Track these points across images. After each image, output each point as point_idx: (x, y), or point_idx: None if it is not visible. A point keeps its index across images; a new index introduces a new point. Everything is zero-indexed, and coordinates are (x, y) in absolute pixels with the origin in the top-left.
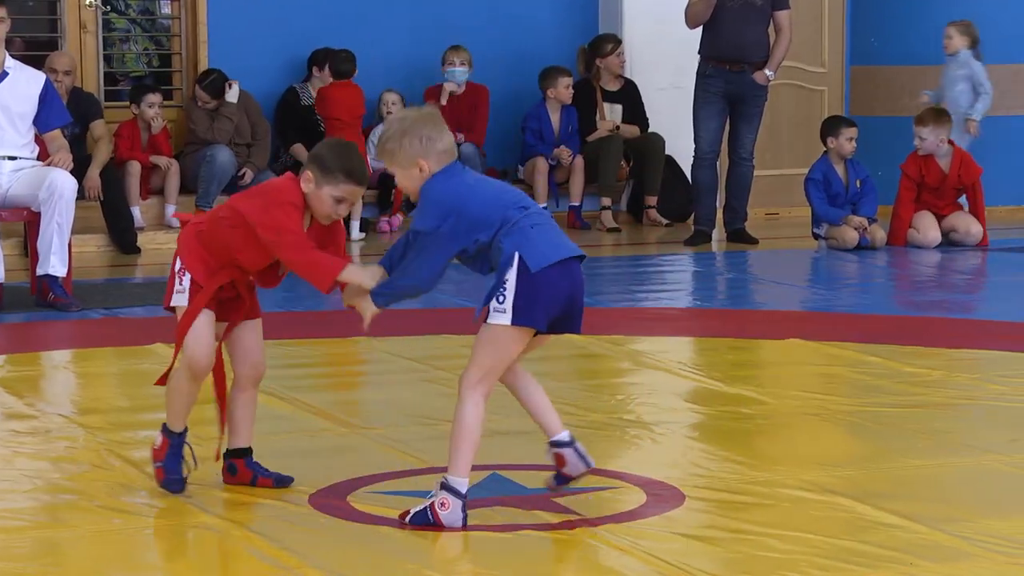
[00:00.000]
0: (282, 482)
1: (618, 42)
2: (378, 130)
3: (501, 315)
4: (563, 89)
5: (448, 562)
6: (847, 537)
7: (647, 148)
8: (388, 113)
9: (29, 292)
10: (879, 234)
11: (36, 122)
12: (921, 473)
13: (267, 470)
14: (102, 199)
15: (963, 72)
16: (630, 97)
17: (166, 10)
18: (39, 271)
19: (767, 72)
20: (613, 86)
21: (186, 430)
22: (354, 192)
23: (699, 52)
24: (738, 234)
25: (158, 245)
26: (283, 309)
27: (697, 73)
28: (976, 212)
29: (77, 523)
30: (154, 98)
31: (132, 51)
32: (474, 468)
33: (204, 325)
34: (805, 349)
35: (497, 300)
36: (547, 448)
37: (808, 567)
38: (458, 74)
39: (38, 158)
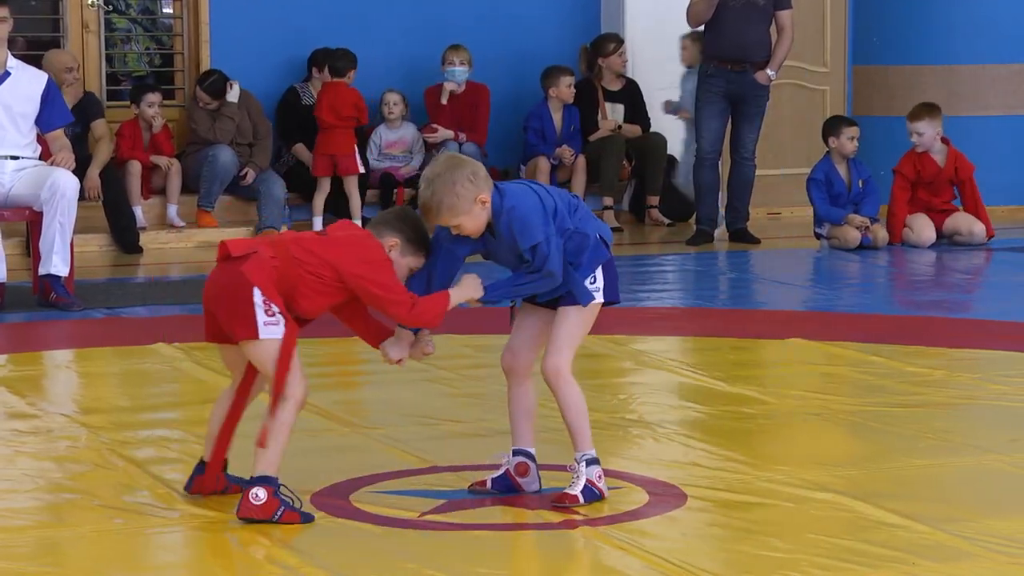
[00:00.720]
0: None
1: (620, 42)
2: (380, 131)
3: (597, 293)
4: (565, 88)
5: (448, 562)
6: (849, 537)
7: (649, 148)
8: (390, 113)
9: (31, 292)
10: (881, 234)
11: (38, 122)
12: (923, 473)
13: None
14: (102, 199)
15: None
16: (632, 97)
17: (168, 9)
18: (41, 271)
19: (769, 72)
20: (615, 86)
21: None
22: (423, 262)
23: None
24: (740, 234)
25: (160, 245)
26: None
27: (699, 73)
28: (975, 208)
29: (78, 523)
30: (154, 97)
31: (134, 51)
32: (475, 468)
33: (297, 358)
34: (807, 349)
35: (590, 282)
36: (510, 455)
37: (809, 567)
38: (458, 73)
39: (40, 158)
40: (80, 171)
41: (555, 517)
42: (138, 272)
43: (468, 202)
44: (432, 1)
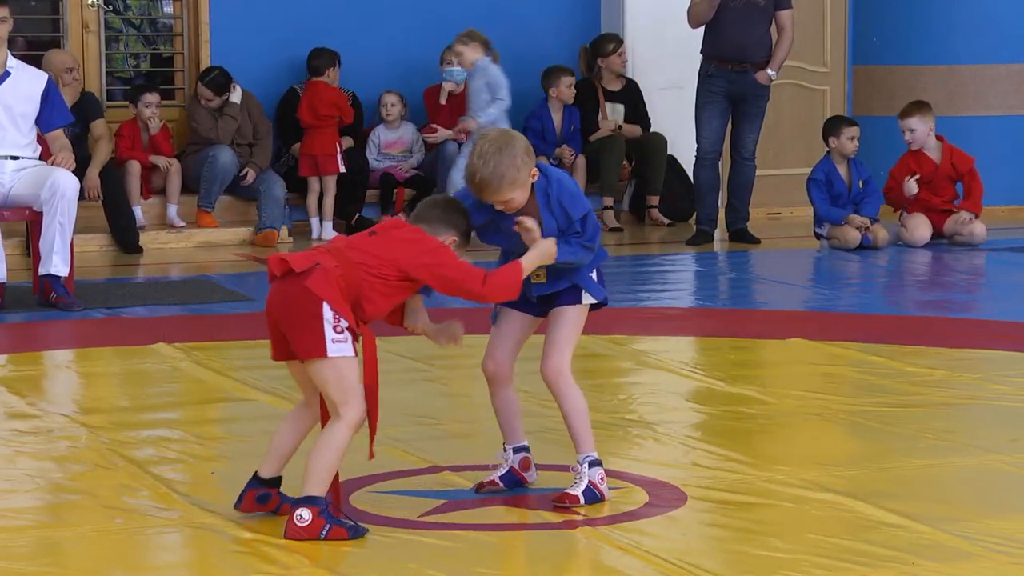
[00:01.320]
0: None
1: (620, 42)
2: (379, 131)
3: (597, 294)
4: (565, 88)
5: (448, 562)
6: (849, 537)
7: (649, 148)
8: (388, 115)
9: (31, 292)
10: (881, 234)
11: (38, 122)
12: (923, 473)
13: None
14: (101, 199)
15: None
16: (632, 97)
17: (168, 9)
18: (41, 271)
19: (769, 72)
20: (615, 86)
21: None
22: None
23: (701, 52)
24: (740, 234)
25: (160, 245)
26: None
27: (699, 73)
28: (973, 200)
29: (79, 523)
30: (151, 98)
31: (121, 51)
32: (475, 468)
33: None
34: (807, 349)
35: (588, 282)
36: (509, 453)
37: (810, 567)
38: (456, 73)
39: (40, 158)
40: (80, 171)
41: (555, 517)
42: (138, 272)
43: (526, 175)
44: (432, 1)
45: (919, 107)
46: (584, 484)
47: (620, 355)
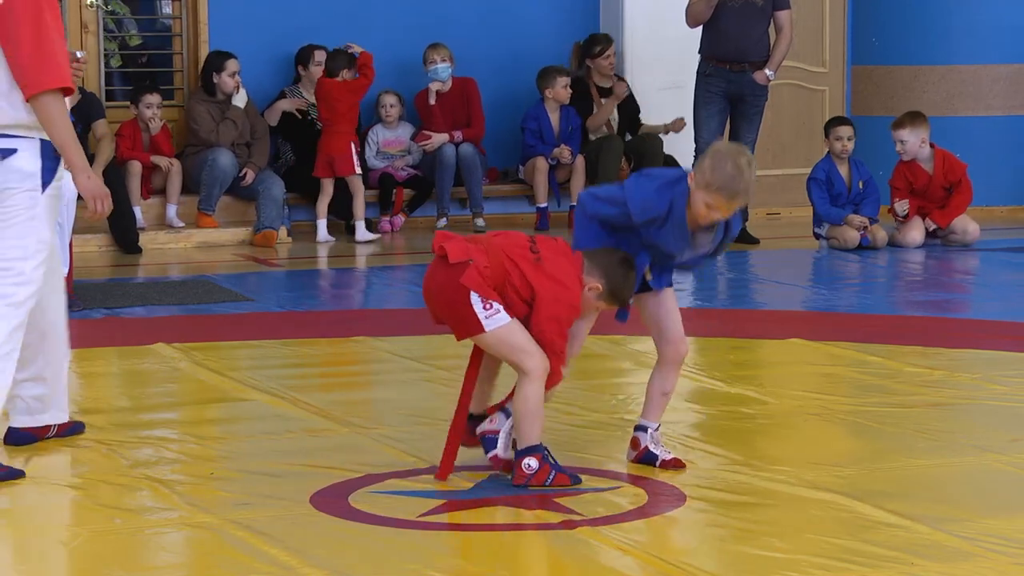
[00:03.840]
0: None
1: (609, 42)
2: (377, 130)
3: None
4: (561, 89)
5: (448, 562)
6: (848, 537)
7: (646, 148)
8: (387, 115)
9: None
10: (880, 234)
11: None
12: (922, 473)
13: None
14: None
15: None
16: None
17: (167, 9)
18: None
19: (767, 72)
20: (607, 83)
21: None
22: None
23: (699, 52)
24: (739, 234)
25: (159, 245)
26: (283, 309)
27: (697, 72)
28: (957, 203)
29: (79, 523)
30: (152, 99)
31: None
32: (475, 468)
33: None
34: (806, 349)
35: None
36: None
37: (809, 567)
38: (441, 71)
39: None
40: None
41: (555, 517)
42: (138, 272)
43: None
44: (431, 1)
45: (912, 119)
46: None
47: (619, 355)
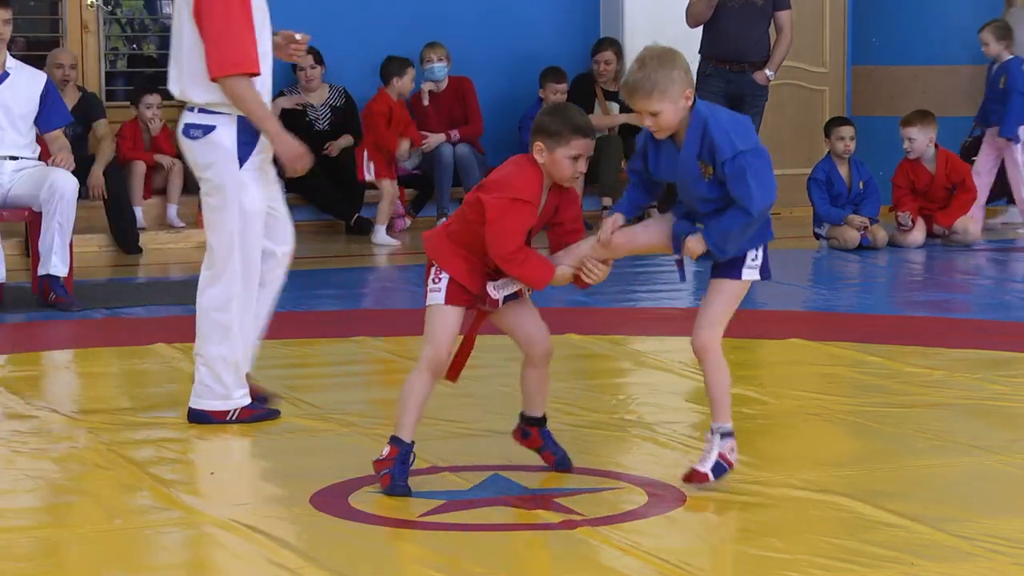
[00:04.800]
0: (562, 464)
1: (608, 49)
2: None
3: (754, 271)
4: (551, 95)
5: (448, 562)
6: (848, 537)
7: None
8: None
9: (30, 292)
10: (880, 234)
11: (37, 122)
12: (922, 473)
13: (557, 446)
14: (105, 197)
15: None
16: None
17: (168, 10)
18: (40, 271)
19: (767, 72)
20: (612, 86)
21: (413, 443)
22: (586, 146)
23: (699, 52)
24: None
25: (160, 245)
26: (283, 309)
27: (697, 73)
28: (962, 201)
29: (78, 523)
30: (152, 99)
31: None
32: (475, 468)
33: (452, 324)
34: (806, 349)
35: (752, 259)
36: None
37: (809, 567)
38: (437, 70)
39: (39, 158)
40: (81, 171)
41: (555, 517)
42: (138, 272)
43: (679, 91)
44: (431, 1)
45: (922, 117)
46: (713, 458)
47: (619, 355)
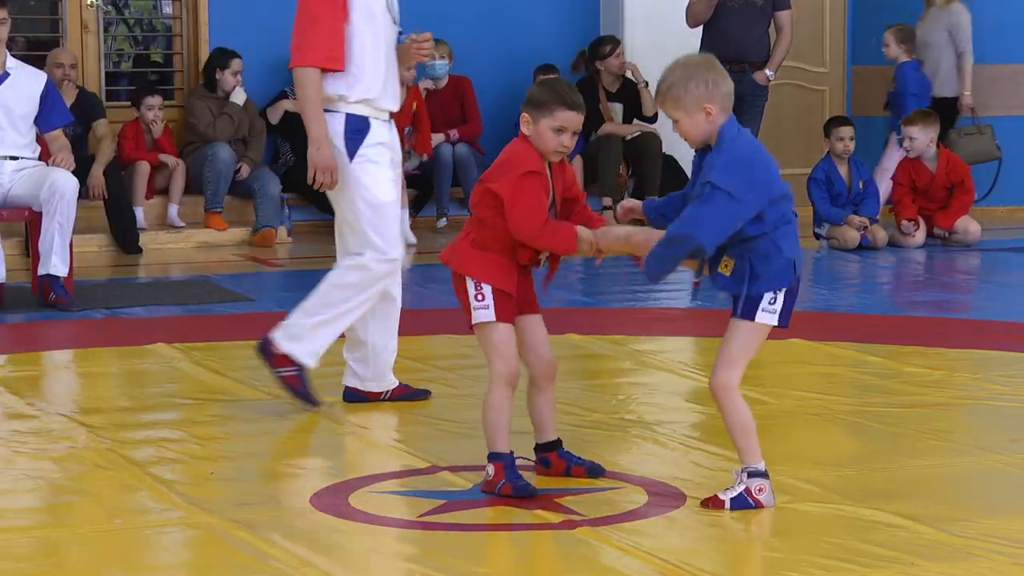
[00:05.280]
0: (594, 471)
1: (616, 43)
2: None
3: (771, 315)
4: None
5: (448, 562)
6: (848, 537)
7: (644, 148)
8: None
9: (30, 292)
10: (880, 234)
11: (37, 121)
12: (922, 473)
13: (579, 458)
14: (105, 197)
15: None
16: (629, 96)
17: (167, 10)
18: (40, 271)
19: (767, 72)
20: (614, 87)
21: (512, 452)
22: (571, 119)
23: (700, 52)
24: None
25: (160, 245)
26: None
27: None
28: (961, 202)
29: (78, 523)
30: (153, 100)
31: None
32: (475, 468)
33: (510, 336)
34: (806, 349)
35: (769, 301)
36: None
37: (809, 567)
38: (439, 67)
39: (39, 158)
40: (82, 170)
41: (555, 517)
42: (138, 272)
43: (693, 103)
44: (430, 1)
45: (923, 116)
46: (737, 492)
47: (620, 355)
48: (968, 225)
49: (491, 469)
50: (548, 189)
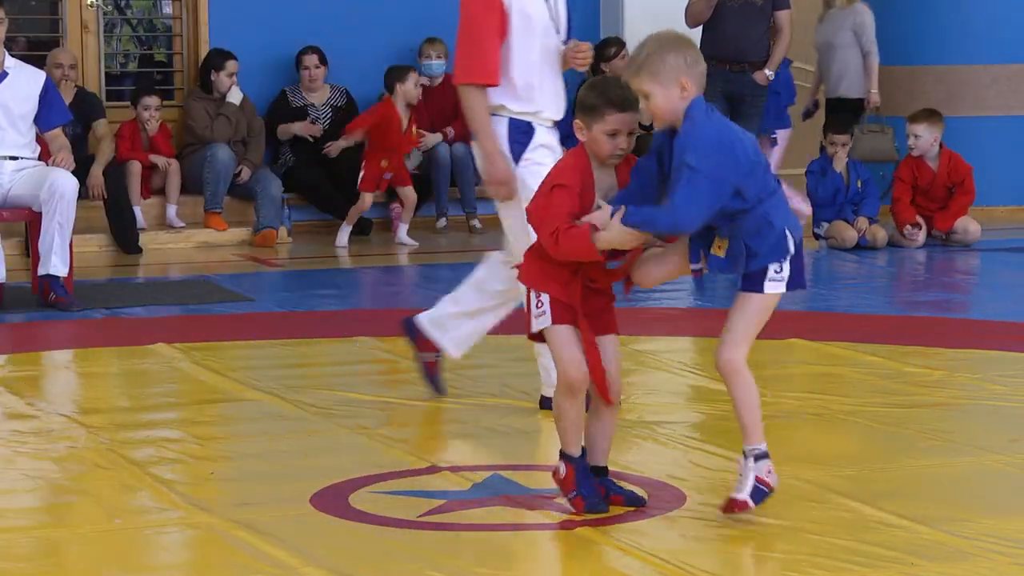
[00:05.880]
0: (633, 501)
1: (622, 44)
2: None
3: (779, 284)
4: None
5: (448, 562)
6: (848, 537)
7: (643, 147)
8: None
9: (30, 292)
10: (880, 234)
11: (37, 121)
12: (922, 473)
13: (620, 487)
14: (105, 197)
15: None
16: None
17: (167, 10)
18: (40, 271)
19: (767, 72)
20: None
21: (584, 452)
22: (624, 120)
23: (699, 52)
24: None
25: (159, 245)
26: (283, 309)
27: None
28: (960, 203)
29: (78, 523)
30: (150, 101)
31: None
32: (475, 468)
33: (570, 340)
34: (806, 349)
35: (775, 271)
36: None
37: (809, 567)
38: (435, 67)
39: (39, 158)
40: (81, 170)
41: (555, 517)
42: (138, 272)
43: (670, 76)
44: (430, 1)
45: (929, 115)
46: (750, 483)
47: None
48: (968, 225)
49: (562, 468)
50: (573, 204)
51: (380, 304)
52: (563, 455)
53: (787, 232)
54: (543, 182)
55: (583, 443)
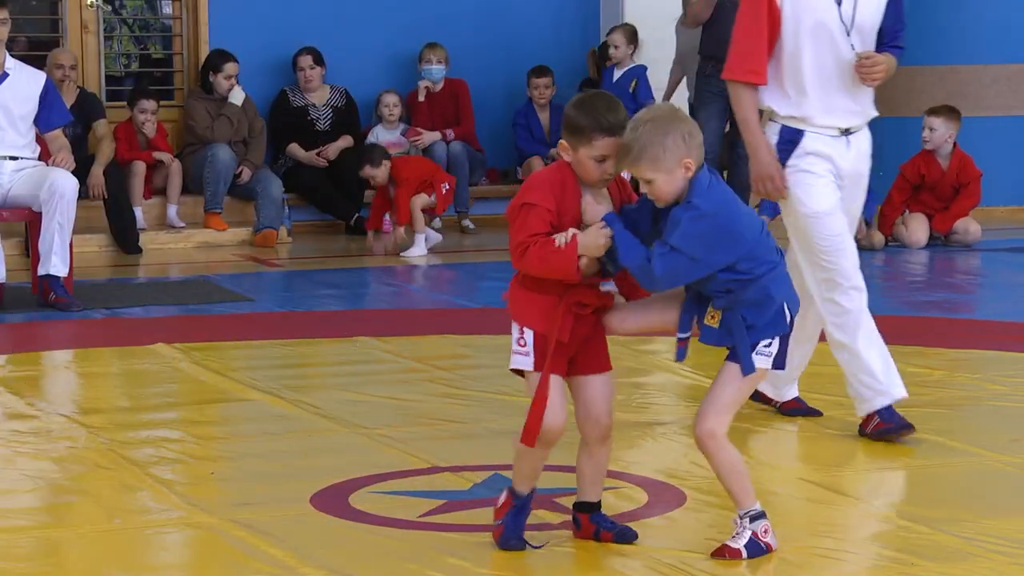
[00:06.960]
0: (624, 537)
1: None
2: (377, 131)
3: (765, 359)
4: (535, 90)
5: (448, 562)
6: (848, 537)
7: None
8: (390, 115)
9: (31, 292)
10: (876, 236)
11: (37, 121)
12: (922, 473)
13: (611, 522)
14: (105, 197)
15: None
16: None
17: (167, 10)
18: (40, 271)
19: None
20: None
21: (532, 492)
22: (613, 146)
23: (699, 51)
24: None
25: (159, 245)
26: (283, 309)
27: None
28: (961, 206)
29: (78, 523)
30: (147, 104)
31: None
32: (475, 468)
33: (555, 391)
34: None
35: (764, 345)
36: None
37: (808, 567)
38: (435, 72)
39: (39, 158)
40: (81, 170)
41: (555, 517)
42: (138, 272)
43: (673, 159)
44: (429, 1)
45: (947, 111)
46: (746, 537)
47: (621, 355)
48: (968, 225)
49: (503, 496)
50: (542, 224)
51: (380, 304)
52: (511, 489)
53: (785, 308)
54: (519, 194)
55: (525, 475)
